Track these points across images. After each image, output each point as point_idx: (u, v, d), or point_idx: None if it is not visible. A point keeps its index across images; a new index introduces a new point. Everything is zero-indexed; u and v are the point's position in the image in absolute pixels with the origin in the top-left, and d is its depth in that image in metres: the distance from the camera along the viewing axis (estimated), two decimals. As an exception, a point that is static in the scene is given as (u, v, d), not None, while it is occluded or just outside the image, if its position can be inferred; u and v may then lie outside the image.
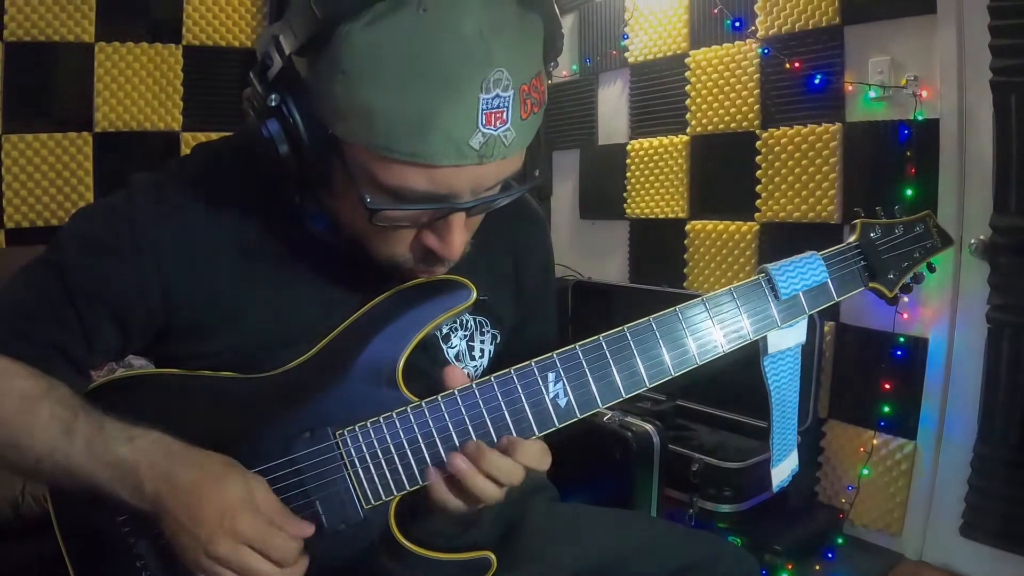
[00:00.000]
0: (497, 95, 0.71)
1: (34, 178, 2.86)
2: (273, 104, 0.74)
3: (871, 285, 1.03)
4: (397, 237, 0.83)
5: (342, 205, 0.83)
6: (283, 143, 0.75)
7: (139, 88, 2.99)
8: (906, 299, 2.36)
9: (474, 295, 0.91)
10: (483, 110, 0.71)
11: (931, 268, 1.08)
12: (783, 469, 1.07)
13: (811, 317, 2.51)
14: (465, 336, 1.01)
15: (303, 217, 0.90)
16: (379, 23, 0.68)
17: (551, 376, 0.87)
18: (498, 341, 1.05)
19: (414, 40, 0.68)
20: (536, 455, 0.85)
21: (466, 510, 0.86)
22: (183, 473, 0.80)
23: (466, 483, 0.83)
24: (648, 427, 2.25)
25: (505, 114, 0.72)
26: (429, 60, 0.69)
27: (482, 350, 1.03)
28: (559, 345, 0.89)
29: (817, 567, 2.41)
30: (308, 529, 0.83)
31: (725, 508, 2.37)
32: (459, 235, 0.81)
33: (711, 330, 0.93)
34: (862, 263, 1.02)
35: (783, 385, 1.02)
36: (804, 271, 0.97)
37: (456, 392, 0.86)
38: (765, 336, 0.97)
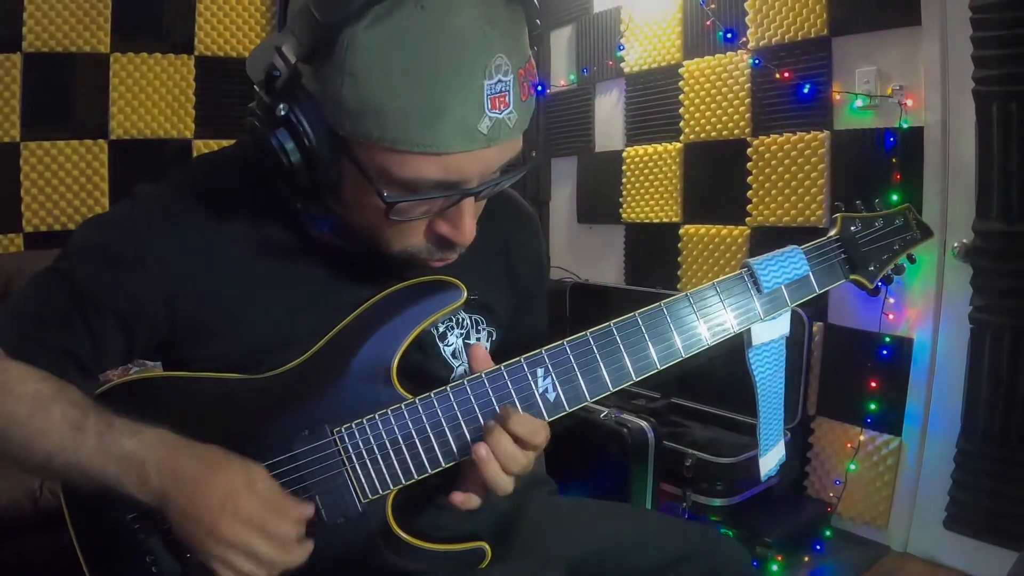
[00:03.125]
0: (499, 80, 0.72)
1: (52, 184, 2.85)
2: (282, 113, 0.73)
3: (852, 277, 1.01)
4: (410, 229, 0.83)
5: (353, 206, 0.82)
6: (294, 151, 0.75)
7: (153, 97, 2.99)
8: (892, 300, 2.37)
9: (464, 294, 0.91)
10: (488, 95, 0.72)
11: (911, 259, 1.06)
12: (770, 459, 1.05)
13: (801, 317, 2.50)
14: (461, 334, 1.01)
15: (304, 222, 0.90)
16: (381, 23, 0.68)
17: (540, 371, 0.87)
18: (494, 338, 1.05)
19: (417, 36, 0.69)
20: (528, 428, 0.84)
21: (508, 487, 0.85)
22: (186, 464, 0.80)
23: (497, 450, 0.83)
24: (643, 424, 2.25)
25: (508, 97, 0.74)
26: (434, 53, 0.69)
27: None
28: (551, 342, 0.88)
29: (806, 559, 2.41)
30: (308, 510, 0.83)
31: (717, 502, 2.37)
32: (470, 220, 0.82)
33: (696, 324, 0.92)
34: (843, 256, 1.01)
35: (768, 377, 1.00)
36: (786, 265, 0.96)
37: (448, 388, 0.86)
38: (749, 329, 0.95)
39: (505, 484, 0.84)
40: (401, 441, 0.86)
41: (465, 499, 0.87)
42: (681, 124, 3.00)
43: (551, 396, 0.86)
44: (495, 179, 0.80)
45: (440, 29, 0.69)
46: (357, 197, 0.80)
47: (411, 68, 0.69)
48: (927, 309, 2.34)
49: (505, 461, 0.83)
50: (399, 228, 0.82)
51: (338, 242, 0.91)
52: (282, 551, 0.80)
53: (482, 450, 0.83)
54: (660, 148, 3.11)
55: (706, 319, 0.92)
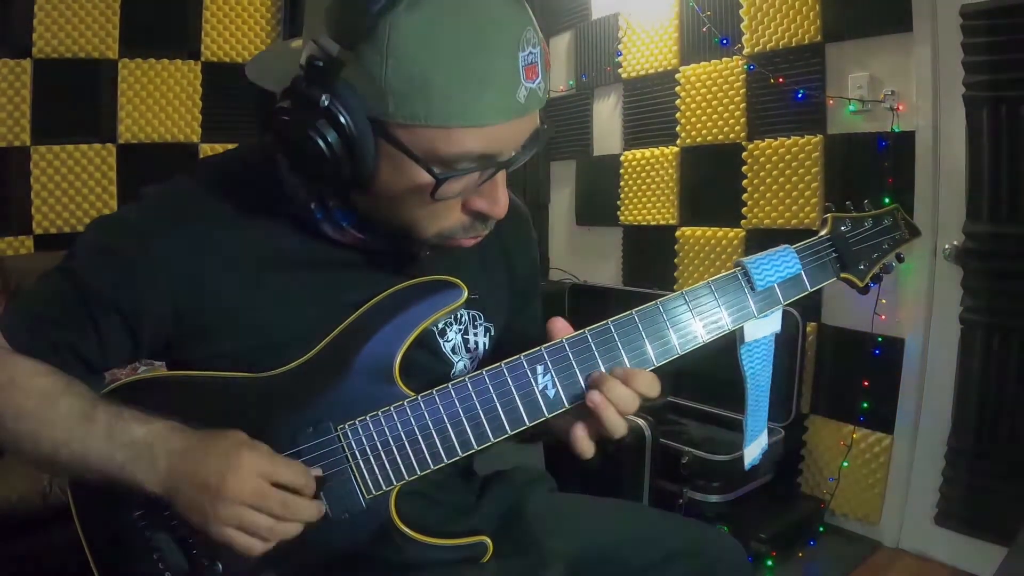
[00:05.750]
0: (531, 51, 0.75)
1: (61, 187, 2.86)
2: (325, 104, 0.73)
3: (842, 275, 1.01)
4: (447, 209, 0.83)
5: (388, 194, 0.81)
6: (336, 142, 0.75)
7: (160, 102, 3.00)
8: (884, 301, 2.36)
9: (464, 294, 0.91)
10: (523, 66, 0.74)
11: (900, 259, 1.06)
12: (754, 448, 1.06)
13: (794, 316, 2.49)
14: (460, 330, 1.01)
15: (314, 222, 0.90)
16: (418, 7, 0.70)
17: (539, 368, 0.86)
18: (492, 334, 1.05)
19: (455, 15, 0.71)
20: (648, 382, 0.86)
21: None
22: (193, 440, 0.81)
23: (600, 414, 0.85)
24: (641, 422, 2.25)
25: (538, 67, 0.76)
26: (473, 30, 0.71)
27: (476, 343, 1.03)
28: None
29: (800, 554, 2.42)
30: (315, 469, 0.83)
31: (713, 499, 2.38)
32: (504, 191, 0.83)
33: (691, 322, 0.91)
34: (834, 255, 1.00)
35: (757, 372, 1.00)
36: (779, 263, 0.96)
37: (450, 386, 0.86)
38: (742, 326, 0.95)
39: (621, 426, 0.86)
40: (404, 438, 0.86)
41: (584, 447, 0.88)
42: (678, 128, 3.01)
43: (550, 393, 0.86)
44: (523, 150, 0.81)
45: (474, 7, 0.72)
46: (394, 183, 0.80)
47: (454, 46, 0.71)
48: (918, 310, 2.34)
49: (622, 405, 0.85)
50: (434, 210, 0.82)
51: (354, 237, 0.90)
52: (293, 501, 0.80)
53: (596, 397, 0.84)
54: (657, 152, 3.11)
55: (701, 317, 0.92)
